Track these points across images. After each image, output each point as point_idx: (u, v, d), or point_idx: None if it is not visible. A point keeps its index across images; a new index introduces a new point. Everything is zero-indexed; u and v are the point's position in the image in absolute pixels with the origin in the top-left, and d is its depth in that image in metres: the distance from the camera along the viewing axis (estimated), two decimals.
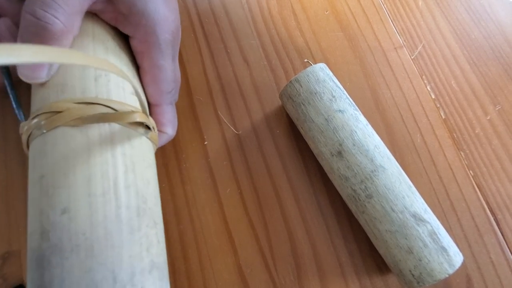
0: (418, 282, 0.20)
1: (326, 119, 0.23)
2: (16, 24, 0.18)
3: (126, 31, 0.19)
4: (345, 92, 0.24)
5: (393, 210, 0.21)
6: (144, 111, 0.17)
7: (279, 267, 0.24)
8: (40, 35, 0.14)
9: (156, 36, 0.19)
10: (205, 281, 0.23)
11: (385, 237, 0.21)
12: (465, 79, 0.29)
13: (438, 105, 0.28)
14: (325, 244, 0.24)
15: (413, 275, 0.20)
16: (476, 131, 0.27)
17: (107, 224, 0.14)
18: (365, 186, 0.21)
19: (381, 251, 0.22)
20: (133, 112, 0.17)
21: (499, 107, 0.28)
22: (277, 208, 0.25)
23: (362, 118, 0.24)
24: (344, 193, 0.23)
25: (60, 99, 0.16)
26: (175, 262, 0.24)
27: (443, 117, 0.28)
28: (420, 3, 0.32)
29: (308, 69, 0.24)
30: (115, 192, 0.15)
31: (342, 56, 0.29)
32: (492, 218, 0.25)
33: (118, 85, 0.17)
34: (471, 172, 0.26)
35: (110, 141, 0.16)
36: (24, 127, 0.16)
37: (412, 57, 0.30)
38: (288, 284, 0.24)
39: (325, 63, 0.25)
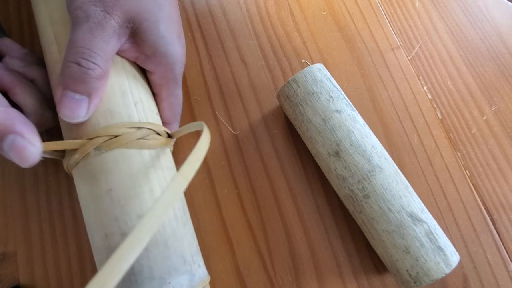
0: (415, 282, 0.20)
1: (323, 119, 0.23)
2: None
3: (146, 67, 0.22)
4: (342, 92, 0.24)
5: (390, 210, 0.21)
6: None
7: (276, 267, 0.24)
8: (83, 80, 0.17)
9: (174, 72, 0.22)
10: None
11: (382, 237, 0.21)
12: (461, 79, 0.29)
13: (435, 106, 0.28)
14: (323, 244, 0.24)
15: (410, 275, 0.20)
16: (473, 132, 0.28)
17: (171, 223, 0.18)
18: (363, 186, 0.22)
19: (378, 251, 0.22)
20: (166, 131, 0.21)
21: (495, 107, 0.28)
22: (275, 208, 0.25)
23: (359, 118, 0.24)
24: (341, 193, 0.23)
25: (111, 124, 0.18)
26: None
27: (440, 117, 0.28)
28: (417, 4, 0.32)
29: (306, 69, 0.24)
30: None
31: (340, 57, 0.30)
32: (488, 218, 0.25)
33: (150, 109, 0.21)
34: (467, 172, 0.26)
35: (157, 158, 0.19)
36: (78, 148, 0.18)
37: (409, 58, 0.30)
38: (286, 284, 0.24)
39: (322, 64, 0.26)
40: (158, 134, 0.20)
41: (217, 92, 0.28)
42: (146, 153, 0.19)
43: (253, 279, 0.24)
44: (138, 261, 0.17)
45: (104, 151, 0.18)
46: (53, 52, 0.20)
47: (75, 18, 0.18)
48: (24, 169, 0.26)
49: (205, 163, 0.26)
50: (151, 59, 0.21)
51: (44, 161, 0.26)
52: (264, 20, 0.31)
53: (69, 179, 0.26)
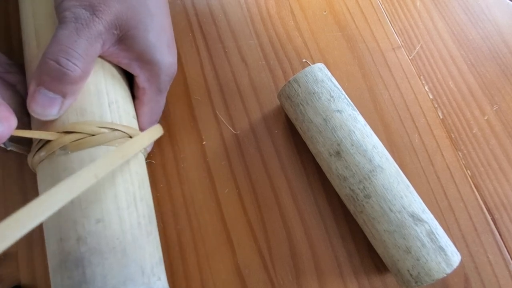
0: (416, 282, 0.20)
1: (324, 119, 0.23)
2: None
3: (130, 70, 0.21)
4: (343, 92, 0.24)
5: (391, 210, 0.21)
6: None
7: (277, 267, 0.24)
8: (61, 80, 0.17)
9: (159, 79, 0.22)
10: (203, 281, 0.23)
11: (383, 237, 0.21)
12: (462, 79, 0.29)
13: (436, 105, 0.28)
14: (323, 244, 0.24)
15: (411, 275, 0.20)
16: (474, 131, 0.28)
17: (133, 231, 0.17)
18: (363, 186, 0.21)
19: (379, 251, 0.22)
20: (141, 136, 0.20)
21: (497, 107, 0.28)
22: (276, 208, 0.25)
23: (360, 118, 0.24)
24: (342, 193, 0.23)
25: (81, 121, 0.18)
26: (173, 262, 0.24)
27: (441, 117, 0.28)
28: (418, 3, 0.32)
29: (307, 69, 0.24)
30: (135, 205, 0.18)
31: (341, 56, 0.30)
32: (489, 218, 0.25)
33: (125, 111, 0.20)
34: (468, 172, 0.26)
35: (127, 162, 0.19)
36: (42, 145, 0.18)
37: (410, 58, 0.30)
38: (287, 284, 0.24)
39: (323, 63, 0.25)
40: (131, 137, 0.20)
41: (217, 92, 0.28)
42: (118, 157, 0.18)
43: (253, 279, 0.24)
44: (91, 268, 0.16)
45: (69, 152, 0.17)
46: (32, 46, 0.20)
47: (62, 18, 0.17)
48: (24, 169, 0.26)
49: (206, 162, 0.26)
50: (136, 63, 0.21)
51: None
52: (264, 20, 0.31)
53: None
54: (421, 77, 0.29)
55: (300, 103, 0.24)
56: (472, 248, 0.24)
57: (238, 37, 0.30)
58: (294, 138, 0.27)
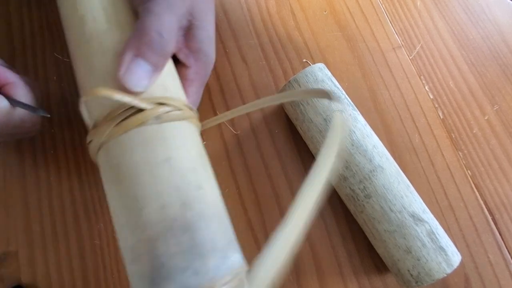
0: (416, 282, 0.20)
1: (324, 119, 0.23)
2: None
3: (186, 61, 0.22)
4: (343, 92, 0.24)
5: (391, 210, 0.21)
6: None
7: None
8: (159, 52, 0.18)
9: (207, 71, 0.23)
10: None
11: (384, 236, 0.21)
12: (463, 79, 0.29)
13: (436, 105, 0.28)
14: (324, 244, 0.24)
15: (411, 275, 0.20)
16: (474, 131, 0.28)
17: (221, 200, 0.18)
18: (364, 186, 0.22)
19: (380, 251, 0.22)
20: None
21: (497, 107, 0.28)
22: (276, 208, 0.25)
23: (360, 118, 0.24)
24: (342, 193, 0.23)
25: (168, 96, 0.18)
26: None
27: (441, 117, 0.28)
28: (418, 3, 0.32)
29: (307, 69, 0.24)
30: (213, 175, 0.19)
31: (341, 56, 0.30)
32: (489, 218, 0.25)
33: (183, 94, 0.21)
34: (469, 172, 0.26)
35: (198, 135, 0.20)
36: (128, 114, 0.17)
37: (411, 58, 0.30)
38: (287, 284, 0.24)
39: (323, 63, 0.25)
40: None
41: (218, 91, 0.28)
42: (196, 132, 0.19)
43: None
44: (200, 232, 0.16)
45: (160, 122, 0.17)
46: (99, 21, 0.19)
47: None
48: (25, 169, 0.26)
49: None
50: (194, 54, 0.21)
51: (46, 161, 0.26)
52: (265, 20, 0.31)
53: (70, 179, 0.26)
54: (422, 77, 0.29)
55: (301, 103, 0.24)
56: (473, 248, 0.24)
57: (238, 37, 0.30)
58: (295, 138, 0.27)
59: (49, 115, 0.22)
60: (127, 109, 0.17)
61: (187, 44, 0.21)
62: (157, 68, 0.18)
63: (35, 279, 0.23)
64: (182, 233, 0.16)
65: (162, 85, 0.19)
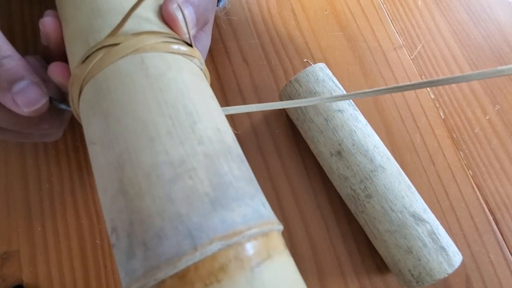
0: (417, 282, 0.20)
1: (325, 119, 0.23)
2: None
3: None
4: (344, 91, 0.24)
5: (392, 210, 0.21)
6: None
7: None
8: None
9: (207, 9, 0.22)
10: None
11: (385, 236, 0.21)
12: None
13: (438, 105, 0.28)
14: (325, 244, 0.24)
15: (412, 275, 0.20)
16: (475, 131, 0.27)
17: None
18: (365, 186, 0.21)
19: (381, 251, 0.22)
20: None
21: (498, 107, 0.28)
22: (277, 208, 0.25)
23: (361, 118, 0.24)
24: (343, 193, 0.23)
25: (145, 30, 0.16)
26: None
27: (442, 117, 0.28)
28: (419, 3, 0.32)
29: (308, 69, 0.24)
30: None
31: (342, 56, 0.29)
32: (491, 218, 0.25)
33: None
34: (470, 172, 0.26)
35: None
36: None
37: (412, 57, 0.30)
38: None
39: (324, 63, 0.25)
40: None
41: (218, 91, 0.28)
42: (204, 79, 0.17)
43: None
44: (249, 168, 0.14)
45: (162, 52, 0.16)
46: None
47: None
48: (27, 168, 0.26)
49: None
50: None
51: (47, 161, 0.26)
52: (265, 20, 0.31)
53: (72, 179, 0.26)
54: (423, 76, 0.29)
55: None
56: (474, 248, 0.24)
57: (239, 37, 0.30)
58: (295, 138, 0.27)
59: (70, 108, 0.19)
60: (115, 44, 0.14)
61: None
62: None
63: (37, 279, 0.23)
64: (240, 161, 0.14)
65: (138, 17, 0.16)
